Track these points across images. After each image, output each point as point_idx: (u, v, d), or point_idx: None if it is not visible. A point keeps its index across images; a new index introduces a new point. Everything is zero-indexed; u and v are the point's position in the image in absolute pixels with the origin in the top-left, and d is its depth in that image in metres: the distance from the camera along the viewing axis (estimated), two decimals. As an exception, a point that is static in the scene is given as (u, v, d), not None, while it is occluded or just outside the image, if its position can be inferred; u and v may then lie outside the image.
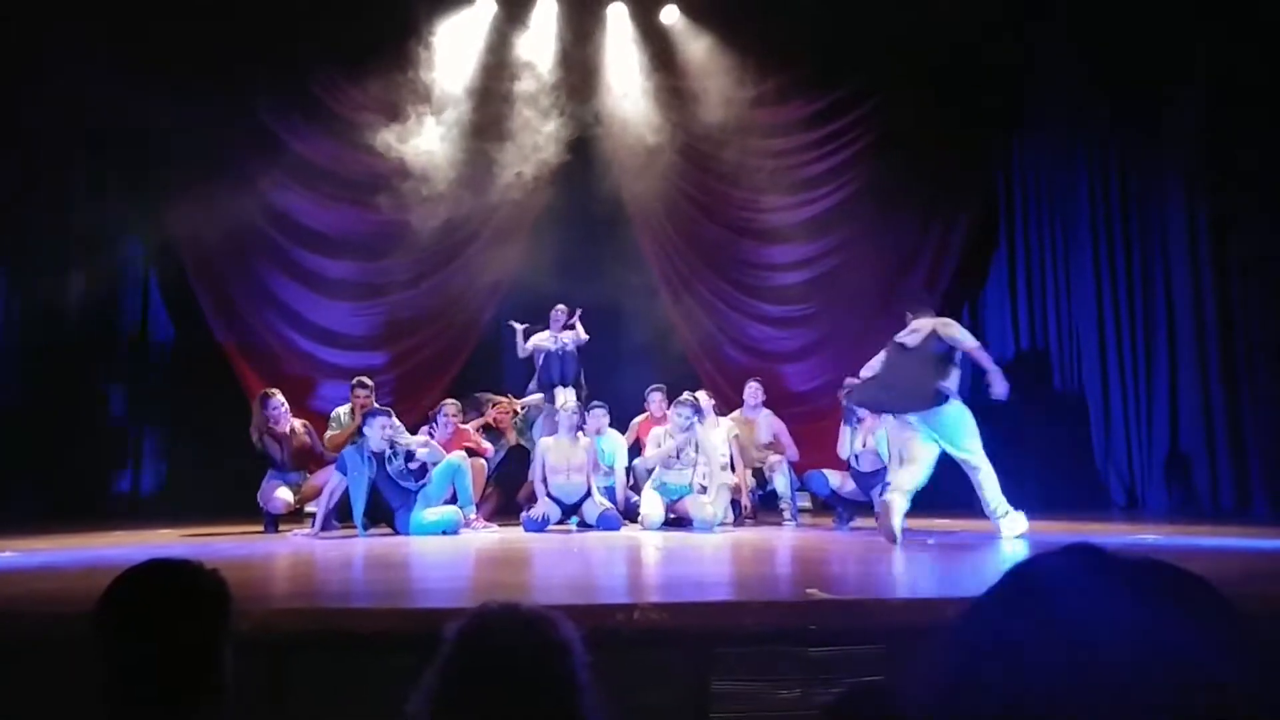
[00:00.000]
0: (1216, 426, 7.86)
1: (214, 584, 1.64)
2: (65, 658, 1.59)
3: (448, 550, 5.42)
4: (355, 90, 8.68)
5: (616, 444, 7.40)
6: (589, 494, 6.86)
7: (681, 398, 7.08)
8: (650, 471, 7.07)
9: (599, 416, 7.31)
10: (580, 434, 7.00)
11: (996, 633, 0.67)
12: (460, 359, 8.97)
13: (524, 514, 6.93)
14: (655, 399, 7.72)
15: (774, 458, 7.50)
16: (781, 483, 7.41)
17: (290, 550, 5.46)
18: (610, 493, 7.24)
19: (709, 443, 7.03)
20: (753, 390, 7.77)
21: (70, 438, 8.30)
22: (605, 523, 6.66)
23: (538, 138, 8.72)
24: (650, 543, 5.73)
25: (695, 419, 6.91)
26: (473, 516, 6.65)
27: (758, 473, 7.59)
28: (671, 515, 6.89)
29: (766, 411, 7.76)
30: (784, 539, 6.19)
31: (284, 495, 6.90)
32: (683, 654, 2.75)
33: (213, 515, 8.22)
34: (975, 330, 9.56)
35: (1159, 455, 8.33)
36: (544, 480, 6.92)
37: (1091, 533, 6.04)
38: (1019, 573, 0.71)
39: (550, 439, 7.02)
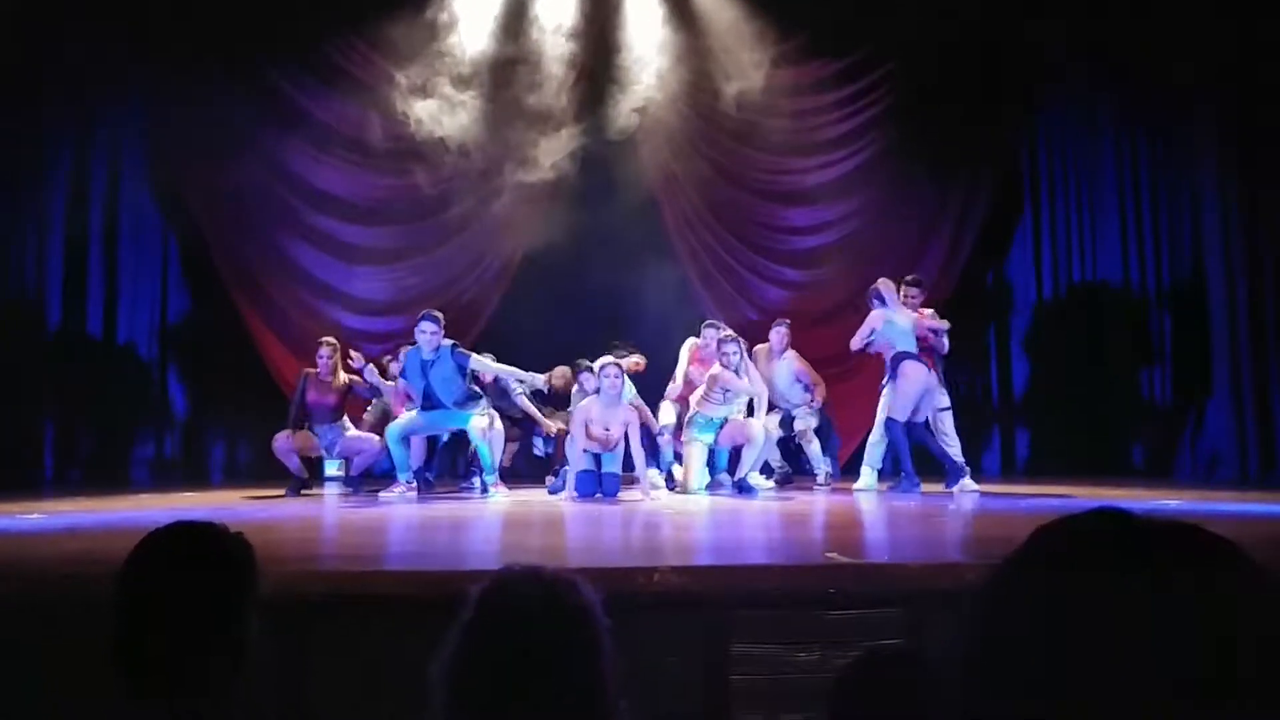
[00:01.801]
0: (1244, 392, 7.78)
1: (238, 546, 1.66)
2: (93, 619, 1.61)
3: (470, 513, 5.46)
4: (372, 53, 8.63)
5: (629, 390, 7.32)
6: (616, 482, 6.58)
7: (728, 333, 6.93)
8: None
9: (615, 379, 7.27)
10: (622, 401, 6.61)
11: (1021, 596, 0.67)
12: (473, 332, 8.92)
13: (553, 478, 6.97)
14: (709, 334, 7.49)
15: (801, 424, 7.42)
16: (814, 447, 7.39)
17: (313, 513, 5.52)
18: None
19: (754, 378, 6.93)
20: (780, 335, 7.66)
21: (95, 403, 8.40)
22: (607, 485, 6.46)
23: (557, 102, 8.65)
24: (670, 507, 5.74)
25: (743, 355, 6.81)
26: (493, 483, 6.66)
27: (785, 422, 7.50)
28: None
29: (790, 354, 7.66)
30: (804, 503, 6.19)
31: (292, 443, 6.87)
32: (702, 617, 2.76)
33: (234, 480, 8.34)
34: (999, 297, 9.54)
35: (1184, 421, 8.26)
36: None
37: (1115, 498, 6.01)
38: (1044, 536, 0.70)
39: (591, 400, 6.66)
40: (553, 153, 8.55)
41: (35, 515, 5.09)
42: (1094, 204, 9.08)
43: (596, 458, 6.63)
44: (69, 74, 8.00)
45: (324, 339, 7.19)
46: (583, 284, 8.34)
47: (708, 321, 7.75)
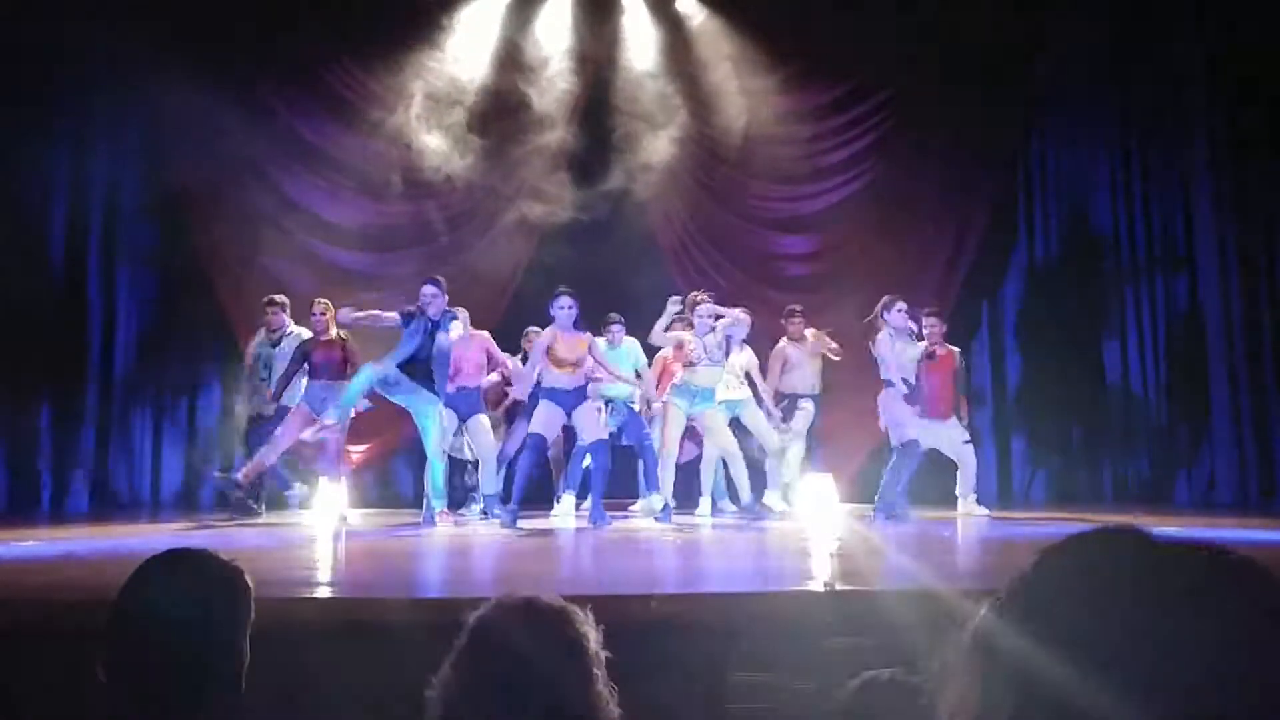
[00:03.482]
0: (1243, 418, 7.79)
1: (233, 573, 1.65)
2: (87, 646, 1.61)
3: (467, 540, 5.44)
4: (367, 78, 8.70)
5: (633, 347, 7.31)
6: (584, 394, 6.47)
7: (702, 298, 6.77)
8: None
9: (616, 331, 7.24)
10: (581, 332, 6.51)
11: (1030, 616, 0.65)
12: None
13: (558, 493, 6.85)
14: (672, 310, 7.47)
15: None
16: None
17: (305, 540, 5.49)
18: (629, 410, 7.20)
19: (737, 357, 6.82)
20: (799, 323, 7.63)
21: (92, 429, 8.38)
22: (596, 518, 6.20)
23: (552, 128, 8.71)
24: (668, 533, 5.72)
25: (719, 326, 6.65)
26: (440, 511, 6.41)
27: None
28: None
29: (809, 332, 7.66)
30: (803, 531, 6.15)
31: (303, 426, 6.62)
32: (700, 645, 2.75)
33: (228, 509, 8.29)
34: (995, 325, 9.54)
35: (1182, 447, 8.26)
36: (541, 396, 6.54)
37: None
38: (1052, 556, 0.68)
39: (553, 330, 6.49)
40: (549, 183, 8.60)
41: (31, 541, 5.07)
42: (1089, 229, 9.11)
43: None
44: (71, 90, 8.09)
45: (317, 299, 7.18)
46: (581, 310, 8.33)
47: (672, 299, 7.50)
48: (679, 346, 7.00)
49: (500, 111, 8.76)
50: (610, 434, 7.13)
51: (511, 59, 8.87)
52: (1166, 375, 8.49)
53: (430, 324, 6.35)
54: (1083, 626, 0.60)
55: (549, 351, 6.39)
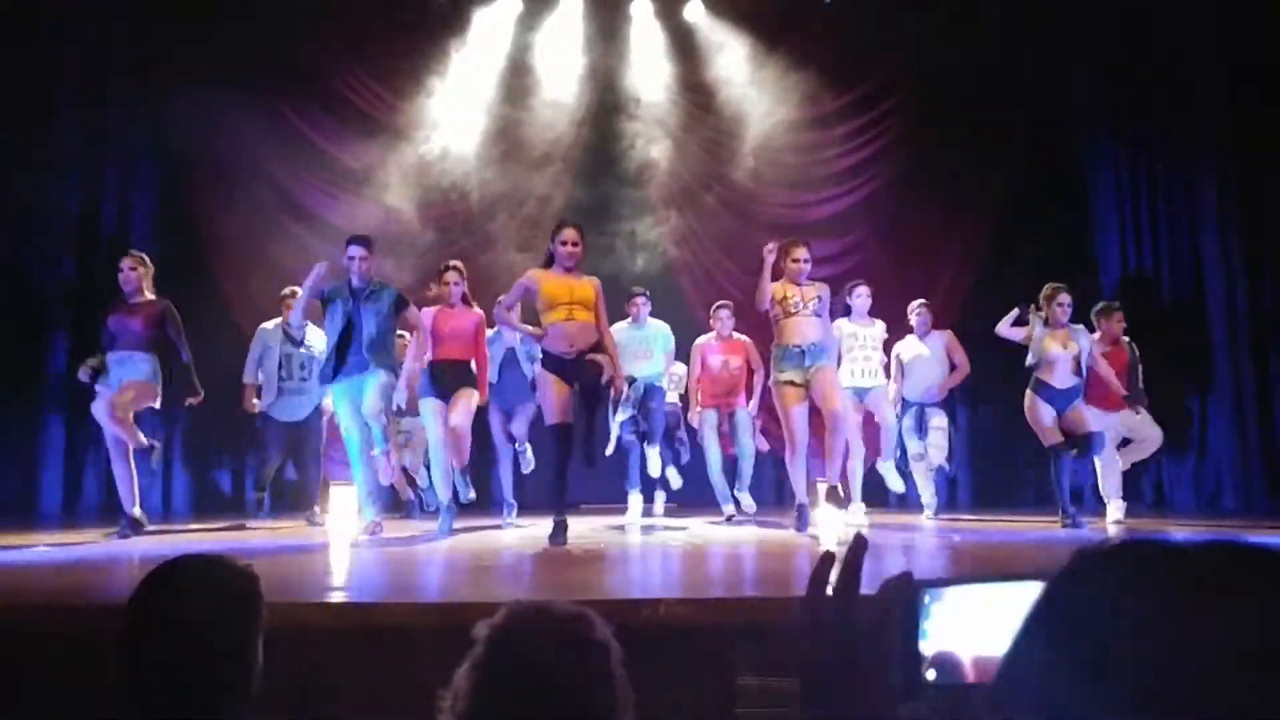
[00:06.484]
0: (1249, 424, 7.75)
1: (247, 579, 1.66)
2: (99, 652, 1.62)
3: (476, 544, 5.44)
4: (379, 86, 8.74)
5: (663, 330, 6.77)
6: (592, 351, 5.23)
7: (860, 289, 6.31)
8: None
9: (640, 304, 6.68)
10: (578, 272, 5.36)
11: (1057, 622, 0.64)
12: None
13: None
14: (724, 315, 6.98)
15: (938, 452, 6.93)
16: (931, 472, 7.07)
17: (318, 545, 5.50)
18: (657, 391, 6.65)
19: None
20: (922, 315, 7.13)
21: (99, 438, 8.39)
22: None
23: (562, 133, 8.74)
24: (678, 537, 5.72)
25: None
26: (383, 464, 5.66)
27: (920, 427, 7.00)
28: None
29: (940, 333, 7.22)
30: (818, 534, 6.14)
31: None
32: (708, 649, 2.75)
33: (236, 512, 8.32)
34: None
35: (1188, 453, 8.23)
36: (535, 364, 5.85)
37: (1129, 528, 5.97)
38: (1061, 583, 0.67)
39: (539, 270, 5.41)
40: (559, 192, 8.63)
41: (41, 547, 5.08)
42: (1096, 234, 9.08)
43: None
44: (81, 96, 8.12)
45: (130, 252, 6.00)
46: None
47: (720, 304, 7.22)
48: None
49: (510, 124, 8.80)
50: (634, 416, 6.60)
51: (523, 69, 8.91)
52: (1176, 380, 8.45)
53: (351, 298, 5.51)
54: (1114, 640, 0.59)
55: (538, 296, 5.29)
